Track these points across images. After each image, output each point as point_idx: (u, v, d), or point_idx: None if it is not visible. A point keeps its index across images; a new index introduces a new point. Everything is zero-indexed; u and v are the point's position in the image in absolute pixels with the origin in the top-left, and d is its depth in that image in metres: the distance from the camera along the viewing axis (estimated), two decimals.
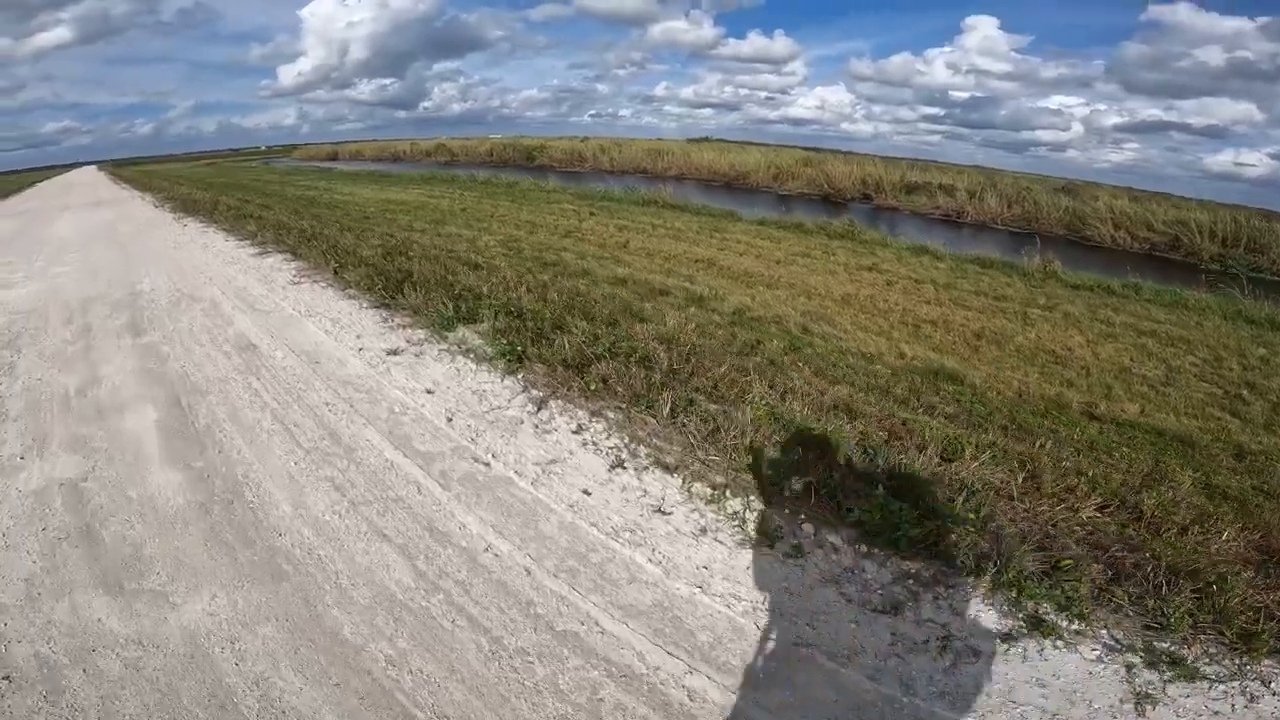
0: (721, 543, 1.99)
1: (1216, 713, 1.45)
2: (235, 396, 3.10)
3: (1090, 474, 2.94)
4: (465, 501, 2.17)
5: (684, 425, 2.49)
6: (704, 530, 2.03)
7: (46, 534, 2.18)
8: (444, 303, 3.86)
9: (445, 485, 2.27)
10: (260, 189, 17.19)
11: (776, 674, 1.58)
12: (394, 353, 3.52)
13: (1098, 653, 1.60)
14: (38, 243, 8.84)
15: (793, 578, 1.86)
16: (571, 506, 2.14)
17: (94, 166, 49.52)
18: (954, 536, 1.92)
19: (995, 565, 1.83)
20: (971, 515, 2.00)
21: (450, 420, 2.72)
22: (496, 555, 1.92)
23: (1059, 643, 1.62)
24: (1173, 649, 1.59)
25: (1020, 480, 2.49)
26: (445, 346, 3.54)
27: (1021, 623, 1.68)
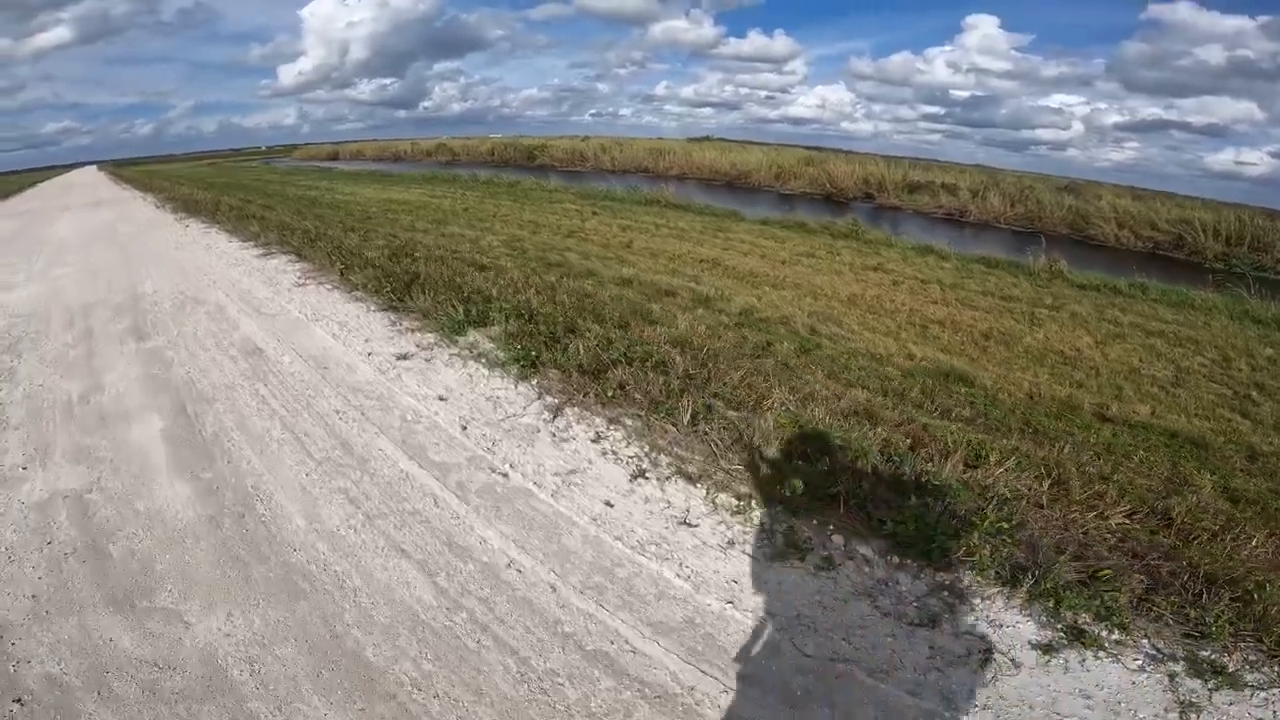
0: (750, 555, 1.94)
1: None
2: (243, 404, 3.03)
3: (1114, 479, 2.91)
4: (484, 515, 2.11)
5: (705, 433, 2.44)
6: (731, 543, 1.98)
7: (52, 548, 2.11)
8: (453, 306, 3.80)
9: (463, 497, 2.21)
10: (262, 189, 17.08)
11: (815, 691, 1.54)
12: (404, 357, 3.45)
13: (1140, 662, 1.58)
14: (38, 243, 8.74)
15: (825, 591, 1.82)
16: (594, 519, 2.09)
17: (94, 167, 49.32)
18: (989, 548, 1.88)
19: (1033, 576, 1.80)
20: (1005, 525, 1.96)
21: (465, 429, 2.66)
22: (520, 571, 1.87)
23: (1100, 653, 1.60)
24: (1213, 657, 1.58)
25: (1046, 487, 2.45)
26: (456, 351, 3.47)
27: (1061, 633, 1.65)
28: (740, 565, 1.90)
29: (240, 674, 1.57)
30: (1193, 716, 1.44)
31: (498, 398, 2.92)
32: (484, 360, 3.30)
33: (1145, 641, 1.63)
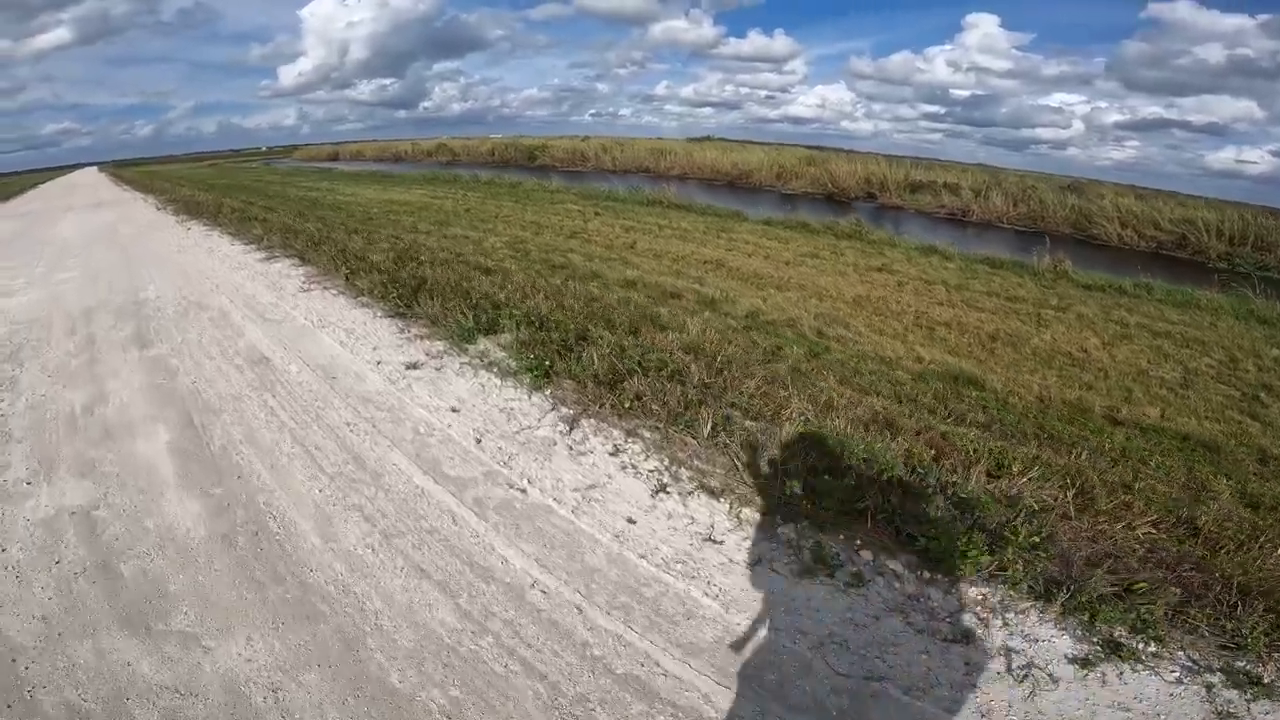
0: (778, 573, 1.90)
1: None
2: (251, 416, 2.98)
3: (1137, 487, 2.89)
4: (504, 533, 2.07)
5: (725, 445, 2.40)
6: (759, 560, 1.95)
7: (61, 568, 2.06)
8: (463, 313, 3.75)
9: (481, 514, 2.17)
10: (263, 190, 16.98)
11: (851, 710, 1.51)
12: (413, 366, 3.40)
13: (1177, 674, 1.58)
14: (39, 246, 8.65)
15: (856, 608, 1.79)
16: (617, 536, 2.05)
17: (95, 168, 49.01)
18: (1022, 563, 1.86)
19: (1068, 590, 1.79)
20: (1036, 539, 1.93)
21: (479, 442, 2.62)
22: (544, 592, 1.83)
23: (1138, 666, 1.60)
24: (1249, 668, 1.58)
25: (1071, 496, 2.42)
26: (466, 360, 3.42)
27: (1098, 647, 1.65)
28: (769, 583, 1.86)
29: (264, 701, 1.53)
30: None
31: (511, 409, 2.88)
32: (496, 369, 3.25)
33: (1181, 653, 1.63)
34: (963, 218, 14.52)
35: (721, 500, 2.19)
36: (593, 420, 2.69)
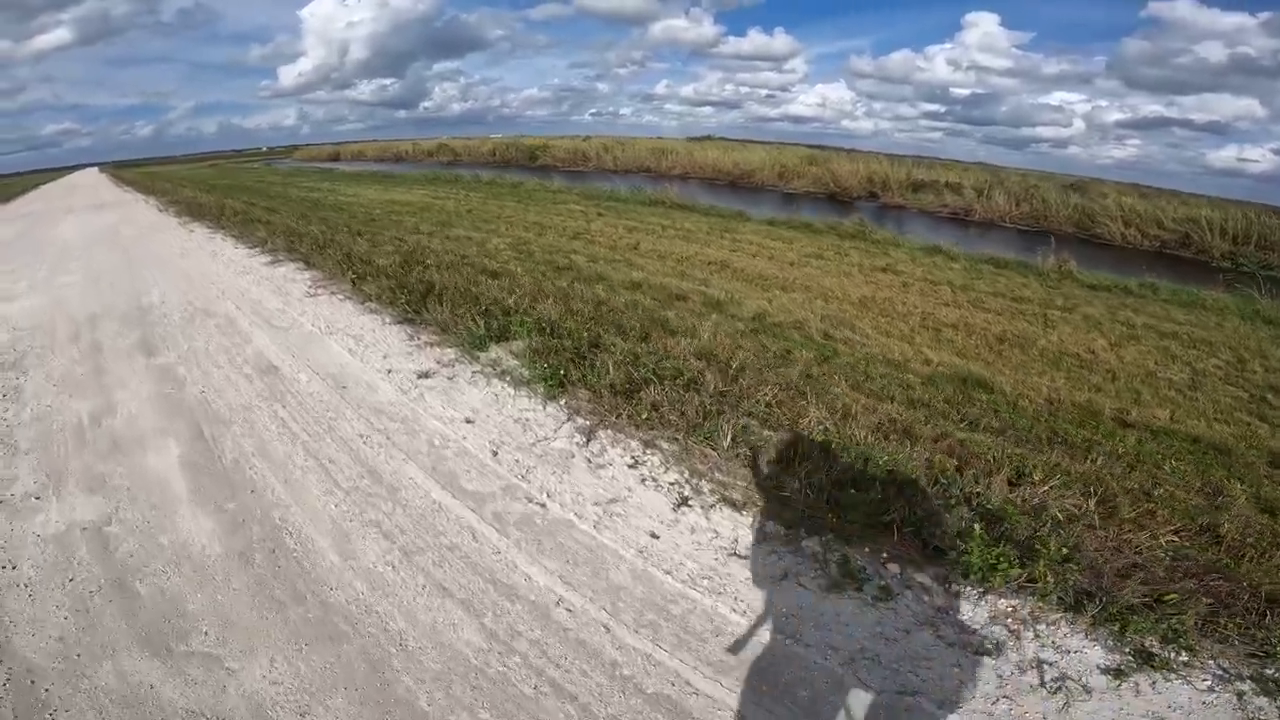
0: (805, 587, 1.88)
1: None
2: (262, 427, 2.95)
3: (1157, 495, 2.87)
4: (526, 549, 2.04)
5: (746, 456, 2.38)
6: (785, 574, 1.92)
7: (75, 586, 2.03)
8: (473, 319, 3.71)
9: (502, 530, 2.14)
10: (264, 191, 16.91)
11: None
12: (425, 375, 3.37)
13: (1208, 683, 1.59)
14: (41, 248, 8.59)
15: (886, 622, 1.77)
16: (641, 552, 2.02)
17: (95, 169, 48.83)
18: (1052, 575, 1.85)
19: (1099, 602, 1.79)
20: (1066, 550, 1.92)
21: (496, 454, 2.59)
22: (570, 610, 1.80)
23: (1170, 675, 1.60)
24: (1278, 675, 1.58)
25: (1093, 505, 2.41)
26: (479, 368, 3.39)
27: (1130, 657, 1.65)
28: (797, 598, 1.84)
29: None
30: None
31: (526, 419, 2.85)
32: (509, 378, 3.22)
33: (1212, 662, 1.64)
34: (965, 217, 14.51)
35: (744, 513, 2.17)
36: (609, 431, 2.67)
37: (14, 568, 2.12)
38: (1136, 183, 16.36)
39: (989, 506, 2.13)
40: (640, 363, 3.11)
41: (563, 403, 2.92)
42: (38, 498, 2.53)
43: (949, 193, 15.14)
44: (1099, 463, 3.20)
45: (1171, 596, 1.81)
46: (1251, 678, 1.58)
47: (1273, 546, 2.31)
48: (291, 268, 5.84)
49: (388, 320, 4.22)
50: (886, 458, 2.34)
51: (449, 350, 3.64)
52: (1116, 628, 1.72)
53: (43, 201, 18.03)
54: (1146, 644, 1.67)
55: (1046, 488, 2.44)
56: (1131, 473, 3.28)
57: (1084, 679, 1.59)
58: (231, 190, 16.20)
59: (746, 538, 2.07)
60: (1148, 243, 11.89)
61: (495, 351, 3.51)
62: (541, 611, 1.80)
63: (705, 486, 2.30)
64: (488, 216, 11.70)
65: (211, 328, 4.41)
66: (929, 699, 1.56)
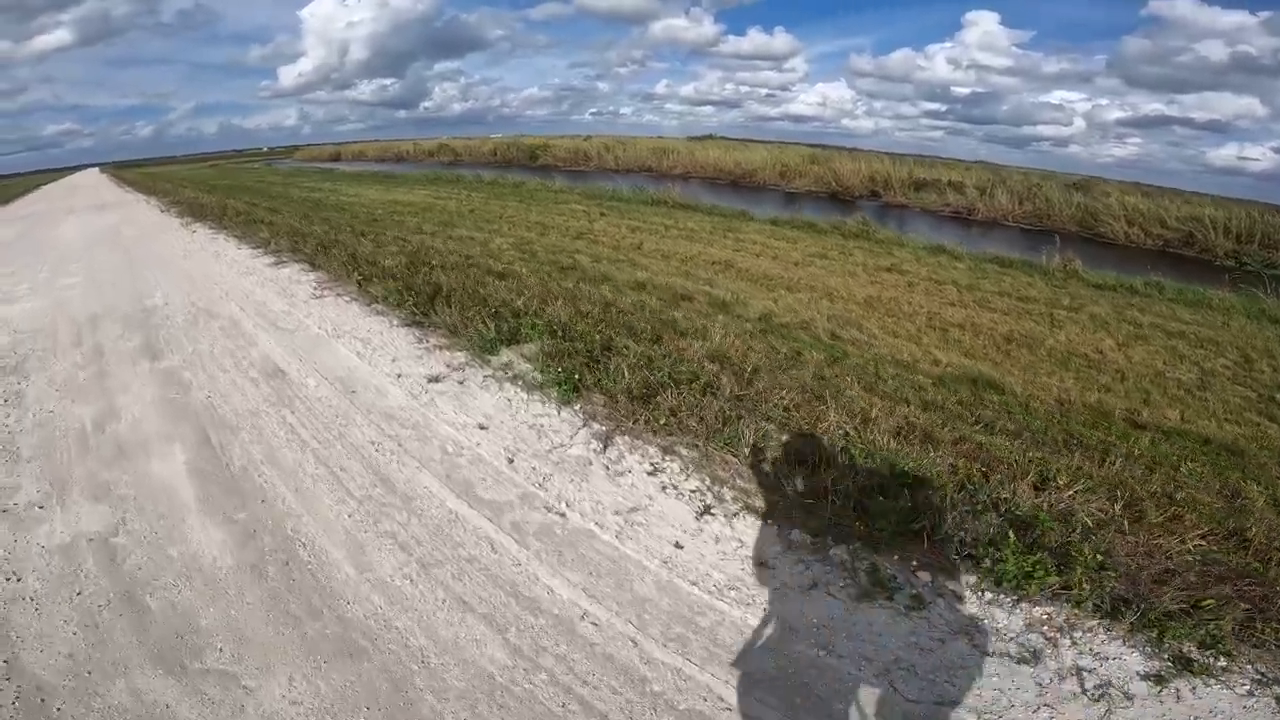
0: (835, 597, 1.84)
1: None
2: (270, 434, 2.89)
3: (1180, 498, 2.84)
4: (547, 561, 1.99)
5: (768, 463, 2.33)
6: (814, 584, 1.88)
7: (83, 600, 1.97)
8: (483, 322, 3.66)
9: (521, 541, 2.09)
10: (266, 191, 16.82)
11: None
12: (435, 380, 3.32)
13: (1247, 687, 1.58)
14: (41, 250, 8.50)
15: (919, 631, 1.73)
16: (665, 562, 1.97)
17: (96, 169, 48.66)
18: (1088, 582, 1.81)
19: (1137, 609, 1.76)
20: (1100, 556, 1.88)
21: (511, 461, 2.54)
22: (595, 624, 1.75)
23: (1210, 680, 1.59)
24: None
25: (1120, 509, 2.38)
26: (490, 372, 3.34)
27: (1169, 663, 1.64)
28: (827, 608, 1.80)
29: None
30: None
31: (541, 425, 2.80)
32: (521, 383, 3.17)
33: (1249, 667, 1.63)
34: (968, 216, 14.48)
35: (769, 521, 2.12)
36: (626, 437, 2.61)
37: (19, 580, 2.06)
38: (1138, 181, 16.36)
39: (1018, 513, 2.09)
40: (655, 366, 3.06)
41: (577, 408, 2.87)
42: (41, 507, 2.48)
43: (951, 192, 15.10)
44: (1118, 466, 3.16)
45: (1208, 602, 1.79)
46: None
47: None
48: (296, 269, 5.77)
49: (395, 322, 4.16)
50: (911, 463, 2.30)
51: (459, 353, 3.58)
52: (1154, 634, 1.70)
53: (44, 202, 17.98)
54: (1185, 650, 1.66)
55: (1071, 492, 2.40)
56: (1151, 476, 3.24)
57: (1125, 686, 1.58)
58: (233, 190, 16.10)
59: (773, 547, 2.03)
60: (1151, 242, 11.87)
61: (506, 355, 3.46)
62: (566, 626, 1.75)
63: (728, 494, 2.25)
64: (490, 217, 11.63)
65: (216, 330, 4.34)
66: (968, 709, 1.54)
